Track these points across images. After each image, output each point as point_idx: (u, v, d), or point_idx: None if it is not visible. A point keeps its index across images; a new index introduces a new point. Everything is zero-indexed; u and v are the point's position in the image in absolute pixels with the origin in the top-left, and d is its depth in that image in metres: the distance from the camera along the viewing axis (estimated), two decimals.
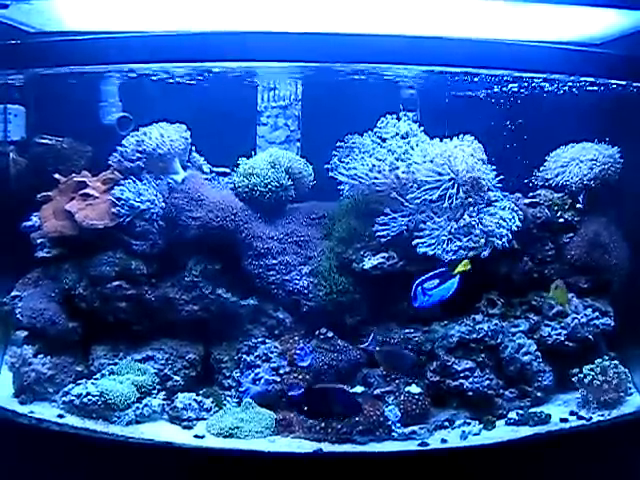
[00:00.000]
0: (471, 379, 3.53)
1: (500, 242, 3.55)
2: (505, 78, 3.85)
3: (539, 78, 3.80)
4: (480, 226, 3.53)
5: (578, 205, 3.89)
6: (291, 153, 4.06)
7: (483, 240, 3.51)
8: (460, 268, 3.33)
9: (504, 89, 4.01)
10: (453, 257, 3.48)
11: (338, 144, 3.95)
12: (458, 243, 3.49)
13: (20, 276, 3.78)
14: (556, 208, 3.87)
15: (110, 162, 3.83)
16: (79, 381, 3.51)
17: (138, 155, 3.75)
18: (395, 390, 3.49)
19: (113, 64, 3.67)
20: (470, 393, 3.52)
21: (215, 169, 4.02)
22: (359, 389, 3.47)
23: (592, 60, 3.63)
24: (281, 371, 3.59)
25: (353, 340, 3.67)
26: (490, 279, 3.74)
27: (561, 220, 3.87)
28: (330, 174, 3.91)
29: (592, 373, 3.55)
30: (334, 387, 3.33)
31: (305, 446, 3.23)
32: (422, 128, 3.93)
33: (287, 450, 3.21)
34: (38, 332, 3.65)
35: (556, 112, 4.02)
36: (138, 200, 3.68)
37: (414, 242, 3.56)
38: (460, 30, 3.50)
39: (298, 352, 3.63)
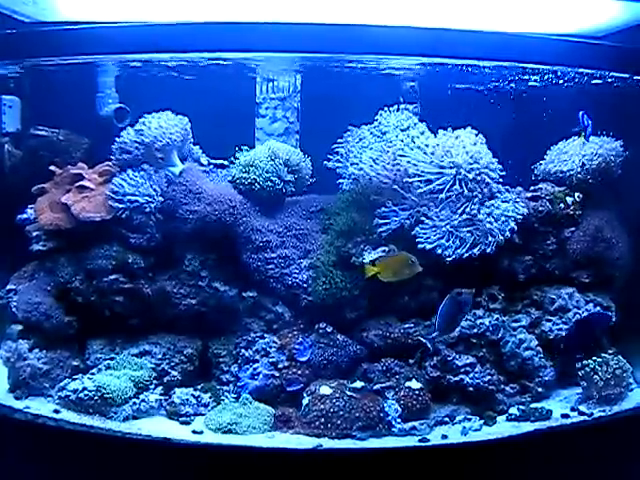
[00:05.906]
0: (472, 374, 3.51)
1: (503, 237, 3.52)
2: (505, 70, 3.82)
3: (539, 70, 3.77)
4: (483, 216, 3.49)
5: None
6: (290, 146, 4.02)
7: (488, 235, 3.48)
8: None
9: (504, 81, 3.98)
10: (455, 253, 3.45)
11: (338, 137, 3.91)
12: (461, 237, 3.45)
13: (15, 269, 3.74)
14: (558, 202, 3.84)
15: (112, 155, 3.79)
16: (75, 376, 3.49)
17: (136, 146, 3.70)
18: (395, 385, 3.45)
19: (109, 54, 3.63)
20: (471, 388, 3.50)
21: (213, 161, 3.98)
22: (359, 384, 3.44)
23: (594, 52, 3.60)
24: (280, 366, 3.57)
25: (353, 334, 3.65)
26: (491, 273, 3.71)
27: (562, 214, 3.84)
28: (329, 166, 3.89)
29: (593, 368, 3.53)
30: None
31: (304, 442, 3.20)
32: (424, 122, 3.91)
33: (286, 446, 3.18)
34: (33, 326, 3.61)
35: (557, 105, 4.00)
36: (136, 193, 3.63)
37: (414, 234, 3.52)
38: (461, 21, 3.47)
39: (297, 347, 3.60)
